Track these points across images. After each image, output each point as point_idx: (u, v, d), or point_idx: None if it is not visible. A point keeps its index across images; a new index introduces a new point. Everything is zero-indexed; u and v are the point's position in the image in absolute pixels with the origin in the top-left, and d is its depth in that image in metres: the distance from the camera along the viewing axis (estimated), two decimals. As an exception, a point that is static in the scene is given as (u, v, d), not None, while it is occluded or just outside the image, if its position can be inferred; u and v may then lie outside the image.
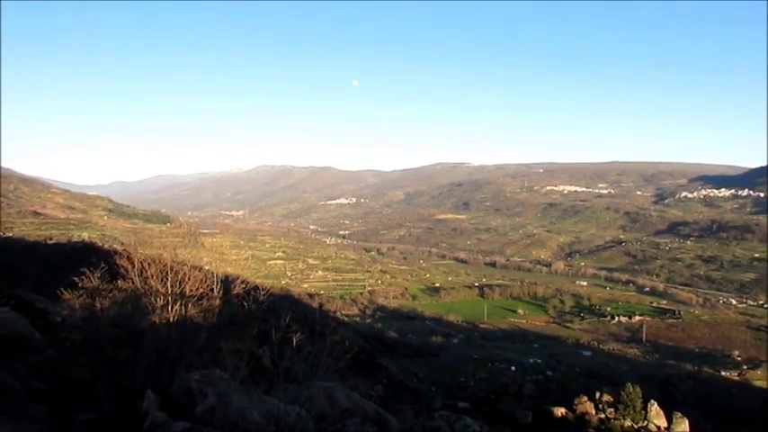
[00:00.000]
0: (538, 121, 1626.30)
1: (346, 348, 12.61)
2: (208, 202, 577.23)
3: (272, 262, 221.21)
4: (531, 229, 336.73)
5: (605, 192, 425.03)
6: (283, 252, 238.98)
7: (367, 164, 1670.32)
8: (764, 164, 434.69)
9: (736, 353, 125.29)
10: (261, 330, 13.61)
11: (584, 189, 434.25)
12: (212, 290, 15.36)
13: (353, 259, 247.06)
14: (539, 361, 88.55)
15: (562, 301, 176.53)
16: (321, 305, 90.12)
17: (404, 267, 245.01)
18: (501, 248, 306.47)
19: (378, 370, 49.30)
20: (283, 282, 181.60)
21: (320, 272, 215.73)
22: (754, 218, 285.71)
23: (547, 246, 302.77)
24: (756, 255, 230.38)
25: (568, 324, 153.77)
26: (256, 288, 17.37)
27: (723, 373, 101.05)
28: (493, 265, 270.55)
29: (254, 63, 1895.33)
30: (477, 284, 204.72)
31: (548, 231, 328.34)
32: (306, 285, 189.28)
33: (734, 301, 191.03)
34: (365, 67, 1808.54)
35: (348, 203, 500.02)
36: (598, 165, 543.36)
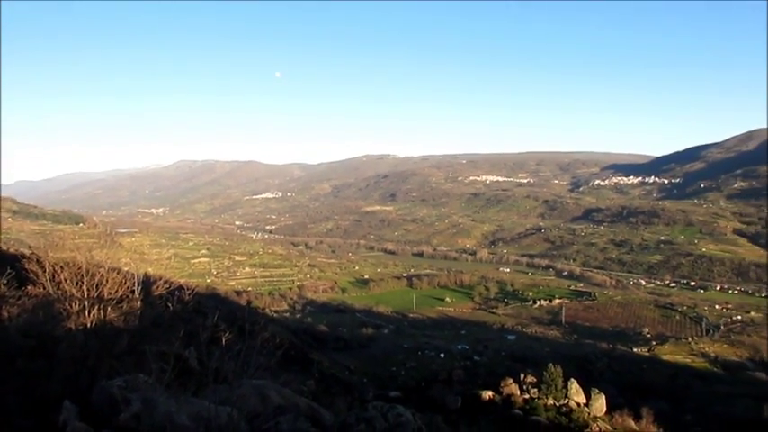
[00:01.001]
0: (460, 112, 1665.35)
1: (277, 345, 12.44)
2: (124, 201, 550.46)
3: (196, 260, 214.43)
4: (457, 218, 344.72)
5: (525, 181, 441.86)
6: (208, 249, 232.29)
7: (293, 157, 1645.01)
8: (668, 152, 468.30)
9: (646, 330, 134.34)
10: (187, 331, 13.18)
11: (505, 179, 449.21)
12: (133, 292, 14.70)
13: (281, 254, 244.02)
14: (466, 347, 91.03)
15: (487, 288, 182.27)
16: (249, 302, 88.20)
17: (333, 261, 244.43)
18: (428, 238, 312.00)
19: (309, 365, 48.98)
20: (209, 280, 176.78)
21: (247, 268, 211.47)
22: (660, 203, 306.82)
23: (471, 234, 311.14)
24: (662, 238, 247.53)
25: (493, 310, 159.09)
26: (181, 288, 16.82)
27: (635, 350, 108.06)
28: (420, 255, 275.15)
29: (170, 56, 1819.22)
30: (405, 275, 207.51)
31: (472, 220, 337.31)
32: (233, 283, 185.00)
33: (643, 282, 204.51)
34: (288, 59, 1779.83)
35: (274, 198, 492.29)
36: (518, 155, 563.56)
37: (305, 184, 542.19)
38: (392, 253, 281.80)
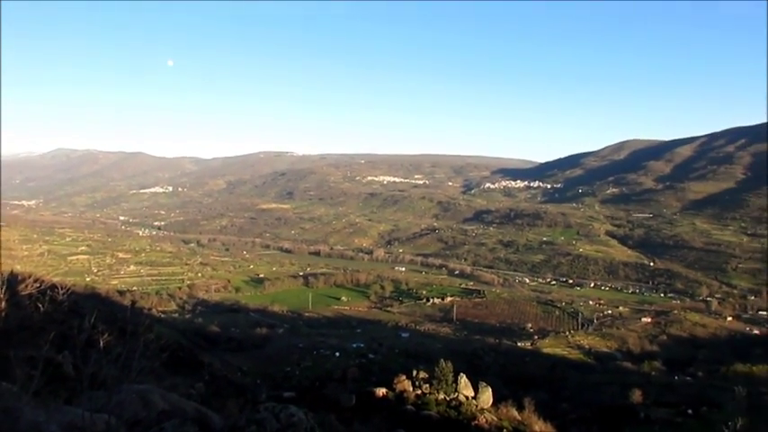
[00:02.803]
0: (360, 113, 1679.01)
1: (162, 347, 11.76)
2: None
3: (73, 257, 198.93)
4: (354, 218, 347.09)
5: (421, 182, 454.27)
6: (88, 246, 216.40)
7: (185, 150, 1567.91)
8: (552, 159, 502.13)
9: (529, 325, 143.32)
10: (60, 334, 12.09)
11: (402, 179, 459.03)
12: (-5, 291, 13.23)
13: (171, 252, 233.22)
14: (361, 345, 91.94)
15: (382, 287, 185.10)
16: (134, 302, 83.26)
17: (226, 259, 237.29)
18: (325, 237, 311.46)
19: (199, 367, 47.02)
20: (88, 279, 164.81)
21: (132, 266, 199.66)
22: (543, 206, 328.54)
23: (368, 234, 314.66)
24: (545, 238, 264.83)
25: (388, 308, 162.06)
26: (54, 287, 15.41)
27: (519, 344, 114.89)
28: (317, 254, 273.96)
29: (47, 40, 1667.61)
30: (301, 274, 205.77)
31: (369, 220, 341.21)
32: (115, 282, 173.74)
33: (527, 280, 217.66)
34: (182, 48, 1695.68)
35: (164, 192, 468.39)
36: (414, 157, 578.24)
37: (198, 179, 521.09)
38: (288, 252, 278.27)
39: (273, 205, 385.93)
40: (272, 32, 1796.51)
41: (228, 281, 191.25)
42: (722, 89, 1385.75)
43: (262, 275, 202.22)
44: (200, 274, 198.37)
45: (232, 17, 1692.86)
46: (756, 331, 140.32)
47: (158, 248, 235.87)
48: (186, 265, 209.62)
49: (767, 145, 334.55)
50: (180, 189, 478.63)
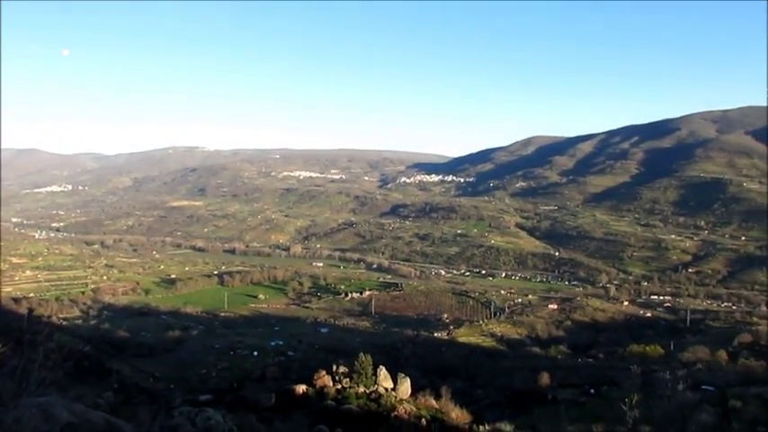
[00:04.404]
0: (273, 107, 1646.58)
1: (65, 356, 11.08)
2: None
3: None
4: (270, 214, 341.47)
5: (337, 177, 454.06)
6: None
7: (85, 146, 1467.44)
8: (464, 154, 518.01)
9: (445, 316, 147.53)
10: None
11: (318, 174, 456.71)
12: None
13: (72, 254, 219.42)
14: (281, 343, 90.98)
15: (301, 283, 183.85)
16: (31, 310, 77.42)
17: (134, 260, 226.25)
18: (240, 235, 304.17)
19: (107, 375, 44.78)
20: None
21: (28, 272, 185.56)
22: (457, 200, 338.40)
23: (285, 230, 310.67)
24: (459, 231, 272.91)
25: (307, 304, 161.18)
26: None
27: (436, 335, 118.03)
28: (232, 251, 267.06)
29: None
30: (216, 273, 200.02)
31: (285, 216, 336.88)
32: (9, 289, 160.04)
33: (443, 272, 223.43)
34: (79, 37, 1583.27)
35: (62, 191, 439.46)
36: (330, 152, 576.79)
37: (100, 177, 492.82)
38: (202, 250, 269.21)
39: (185, 202, 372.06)
40: (177, 21, 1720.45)
41: (137, 283, 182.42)
42: (620, 88, 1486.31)
43: (173, 276, 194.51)
44: (105, 277, 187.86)
45: (132, 2, 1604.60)
46: (649, 314, 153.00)
47: (57, 251, 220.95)
48: (90, 267, 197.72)
49: (658, 142, 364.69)
50: (80, 187, 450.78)
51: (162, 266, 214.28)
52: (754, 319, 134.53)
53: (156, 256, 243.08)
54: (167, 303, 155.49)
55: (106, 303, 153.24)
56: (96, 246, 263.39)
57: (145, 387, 47.72)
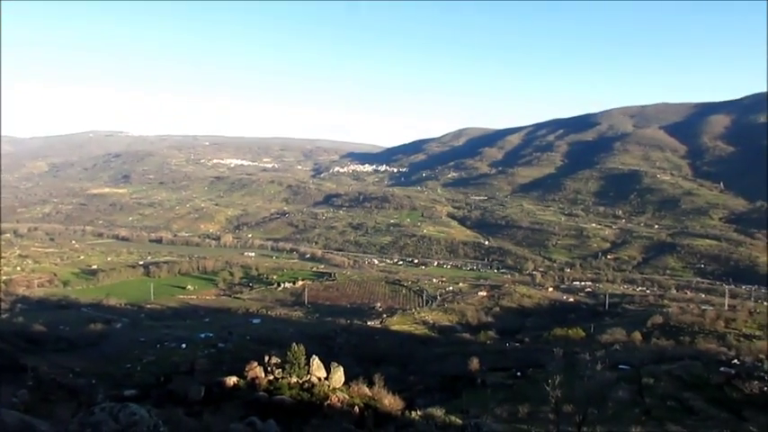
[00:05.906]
0: (203, 91, 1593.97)
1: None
2: None
3: None
4: (199, 202, 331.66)
5: (270, 166, 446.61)
6: None
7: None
8: (398, 144, 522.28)
9: (379, 305, 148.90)
10: None
11: (250, 163, 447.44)
12: None
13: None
14: (210, 335, 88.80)
15: (231, 274, 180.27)
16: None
17: (51, 250, 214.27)
18: (167, 223, 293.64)
19: (22, 372, 42.16)
20: None
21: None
22: (390, 189, 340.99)
23: (215, 219, 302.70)
24: (392, 221, 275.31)
25: (238, 295, 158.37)
26: None
27: (369, 323, 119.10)
28: (159, 241, 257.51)
29: None
30: (141, 263, 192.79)
31: (216, 205, 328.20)
32: None
33: (376, 261, 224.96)
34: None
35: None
36: (262, 140, 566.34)
37: (14, 161, 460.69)
38: (126, 240, 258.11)
39: (107, 189, 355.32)
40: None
41: (55, 274, 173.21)
42: (545, 82, 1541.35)
43: (95, 267, 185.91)
44: (18, 268, 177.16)
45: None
46: (571, 299, 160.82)
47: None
48: (1, 258, 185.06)
49: (581, 135, 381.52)
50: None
51: (82, 257, 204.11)
52: (665, 301, 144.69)
53: (76, 245, 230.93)
54: (88, 296, 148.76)
55: (20, 296, 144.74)
56: (8, 235, 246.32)
57: (64, 383, 45.38)
